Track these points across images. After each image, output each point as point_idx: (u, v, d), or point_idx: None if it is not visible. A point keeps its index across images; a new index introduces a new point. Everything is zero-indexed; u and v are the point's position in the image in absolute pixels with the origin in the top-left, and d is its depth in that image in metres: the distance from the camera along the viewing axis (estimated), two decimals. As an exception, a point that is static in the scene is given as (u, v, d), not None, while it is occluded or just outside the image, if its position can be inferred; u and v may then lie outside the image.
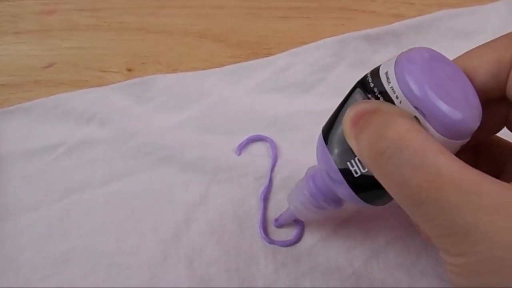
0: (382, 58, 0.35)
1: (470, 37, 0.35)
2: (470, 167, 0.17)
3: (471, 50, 0.22)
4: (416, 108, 0.19)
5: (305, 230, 0.29)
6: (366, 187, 0.22)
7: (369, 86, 0.21)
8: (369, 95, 0.21)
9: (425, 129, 0.19)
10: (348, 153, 0.21)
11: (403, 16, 0.39)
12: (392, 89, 0.19)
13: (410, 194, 0.18)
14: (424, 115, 0.19)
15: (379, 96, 0.20)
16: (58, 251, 0.29)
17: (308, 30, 0.39)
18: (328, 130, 0.23)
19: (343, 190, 0.23)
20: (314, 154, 0.30)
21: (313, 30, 0.39)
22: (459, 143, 0.20)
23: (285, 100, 0.29)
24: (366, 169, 0.21)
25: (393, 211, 0.28)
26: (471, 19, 0.36)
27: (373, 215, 0.29)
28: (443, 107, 0.19)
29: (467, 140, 0.20)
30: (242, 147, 0.32)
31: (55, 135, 0.33)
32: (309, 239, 0.29)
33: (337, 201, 0.25)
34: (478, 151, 0.25)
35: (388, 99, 0.20)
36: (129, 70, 0.37)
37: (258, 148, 0.32)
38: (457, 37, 0.36)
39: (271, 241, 0.29)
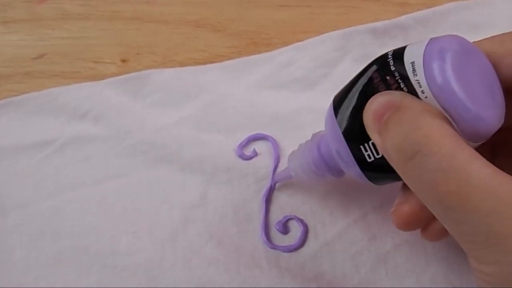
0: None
1: (480, 30, 0.33)
2: (502, 173, 0.17)
3: (498, 35, 0.21)
4: (442, 108, 0.18)
5: (308, 234, 0.28)
6: (377, 170, 0.22)
7: (389, 69, 0.20)
8: (388, 77, 0.20)
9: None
10: (361, 135, 0.21)
11: (408, 4, 0.38)
12: (418, 83, 0.19)
13: (440, 200, 0.17)
14: (450, 116, 0.18)
15: (400, 81, 0.20)
16: (50, 251, 0.28)
17: (310, 19, 0.38)
18: (339, 104, 0.22)
19: (352, 169, 0.23)
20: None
21: (315, 19, 0.38)
22: (477, 144, 0.20)
23: (288, 96, 0.28)
24: (380, 154, 0.21)
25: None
26: (480, 12, 0.35)
27: (379, 218, 0.28)
28: (472, 112, 0.18)
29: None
30: (242, 147, 0.31)
31: (47, 131, 0.32)
32: (313, 243, 0.28)
33: (339, 172, 0.25)
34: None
35: (411, 90, 0.19)
36: (123, 61, 0.36)
37: (259, 147, 0.31)
38: (467, 30, 0.34)
39: (274, 247, 0.28)
